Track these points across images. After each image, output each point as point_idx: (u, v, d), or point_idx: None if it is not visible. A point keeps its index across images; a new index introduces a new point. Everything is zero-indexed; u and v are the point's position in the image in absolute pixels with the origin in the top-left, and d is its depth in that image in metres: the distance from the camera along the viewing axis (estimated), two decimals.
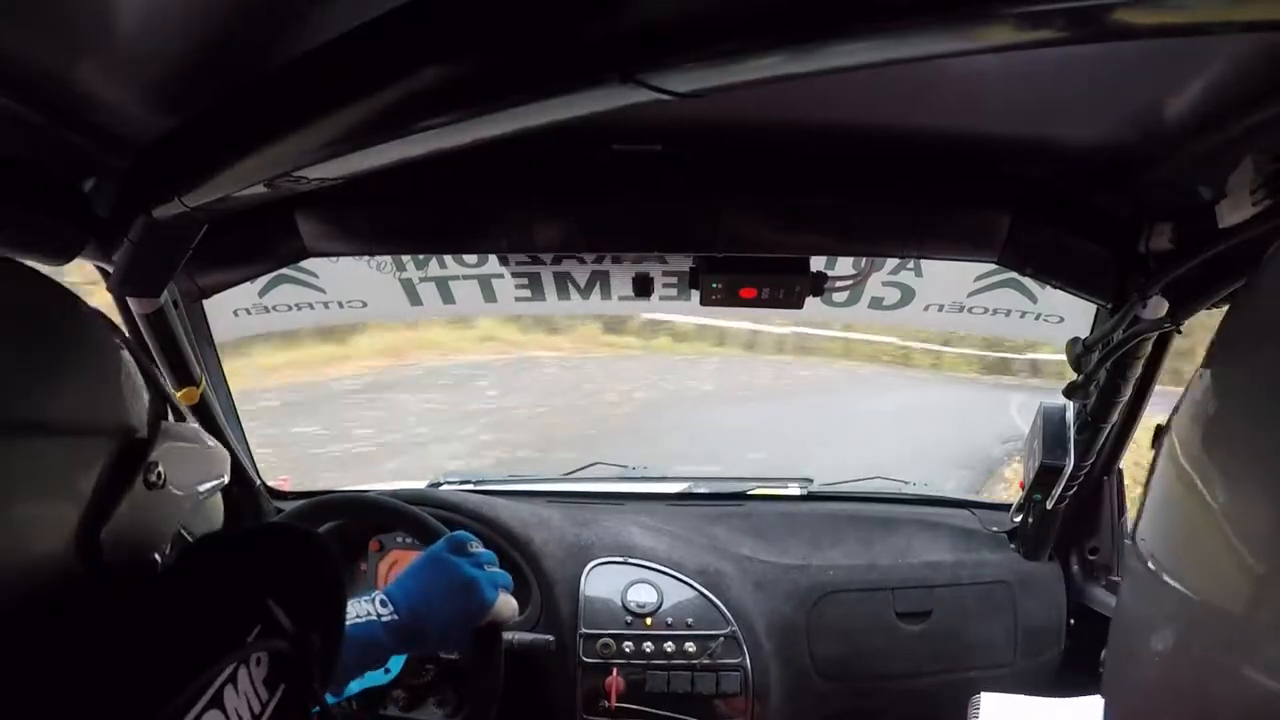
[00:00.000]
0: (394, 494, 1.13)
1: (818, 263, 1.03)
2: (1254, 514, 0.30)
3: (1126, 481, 1.20)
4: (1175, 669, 0.36)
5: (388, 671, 1.06)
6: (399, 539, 1.22)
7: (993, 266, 1.15)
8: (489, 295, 1.35)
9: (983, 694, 1.02)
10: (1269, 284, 0.36)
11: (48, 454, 0.42)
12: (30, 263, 0.50)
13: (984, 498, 1.42)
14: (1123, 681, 0.43)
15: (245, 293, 1.26)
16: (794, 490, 1.46)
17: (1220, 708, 0.31)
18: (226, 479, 0.62)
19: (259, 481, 1.29)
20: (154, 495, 0.47)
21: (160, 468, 0.47)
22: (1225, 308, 0.76)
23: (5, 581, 0.40)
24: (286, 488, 1.39)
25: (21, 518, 0.41)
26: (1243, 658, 0.29)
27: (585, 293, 1.32)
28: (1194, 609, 0.33)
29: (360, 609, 0.79)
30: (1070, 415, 1.09)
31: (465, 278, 1.32)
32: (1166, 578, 0.36)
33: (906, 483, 1.51)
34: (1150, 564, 0.38)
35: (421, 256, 1.28)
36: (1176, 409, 0.38)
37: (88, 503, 0.43)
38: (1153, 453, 0.41)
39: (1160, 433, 0.40)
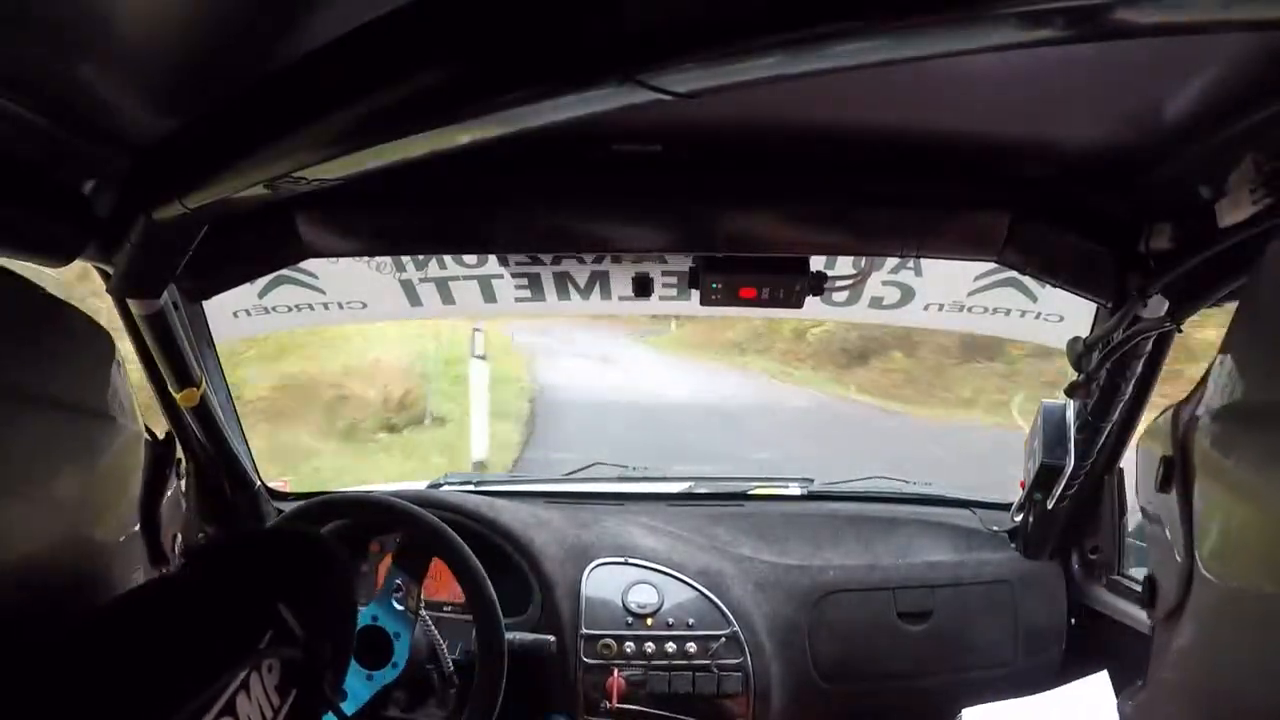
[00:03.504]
0: (395, 494, 1.13)
1: (817, 262, 1.03)
2: None
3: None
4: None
5: (395, 665, 1.06)
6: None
7: (993, 266, 1.15)
8: (489, 296, 1.35)
9: (964, 711, 1.02)
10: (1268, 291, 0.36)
11: (114, 436, 0.48)
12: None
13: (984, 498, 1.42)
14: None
15: (245, 294, 1.26)
16: (794, 490, 1.46)
17: None
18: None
19: (259, 483, 1.29)
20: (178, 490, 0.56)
21: (184, 465, 0.54)
22: (1224, 307, 0.76)
23: (82, 551, 0.44)
24: (286, 489, 1.39)
25: (96, 493, 0.46)
26: None
27: (585, 293, 1.32)
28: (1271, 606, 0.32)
29: None
30: (1070, 415, 1.09)
31: (465, 278, 1.32)
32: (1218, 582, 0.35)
33: (907, 482, 1.52)
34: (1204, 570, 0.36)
35: (421, 257, 1.28)
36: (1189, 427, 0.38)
37: (143, 487, 0.52)
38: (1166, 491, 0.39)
39: (1170, 467, 0.38)
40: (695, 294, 1.03)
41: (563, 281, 1.30)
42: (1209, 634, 0.37)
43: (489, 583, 1.06)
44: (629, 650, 1.15)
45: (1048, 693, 1.01)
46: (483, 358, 5.26)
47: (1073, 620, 1.23)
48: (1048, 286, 1.13)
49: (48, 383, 0.43)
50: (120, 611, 0.43)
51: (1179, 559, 0.38)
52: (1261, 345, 0.34)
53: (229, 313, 1.28)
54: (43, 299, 0.47)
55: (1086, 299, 0.95)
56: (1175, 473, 0.39)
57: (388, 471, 4.80)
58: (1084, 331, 0.98)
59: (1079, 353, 0.93)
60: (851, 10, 0.36)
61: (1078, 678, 1.14)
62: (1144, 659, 0.49)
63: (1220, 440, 0.35)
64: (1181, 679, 0.41)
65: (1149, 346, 0.93)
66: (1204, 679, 0.37)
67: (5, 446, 0.40)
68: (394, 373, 6.15)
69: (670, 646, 1.15)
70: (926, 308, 1.33)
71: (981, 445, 4.91)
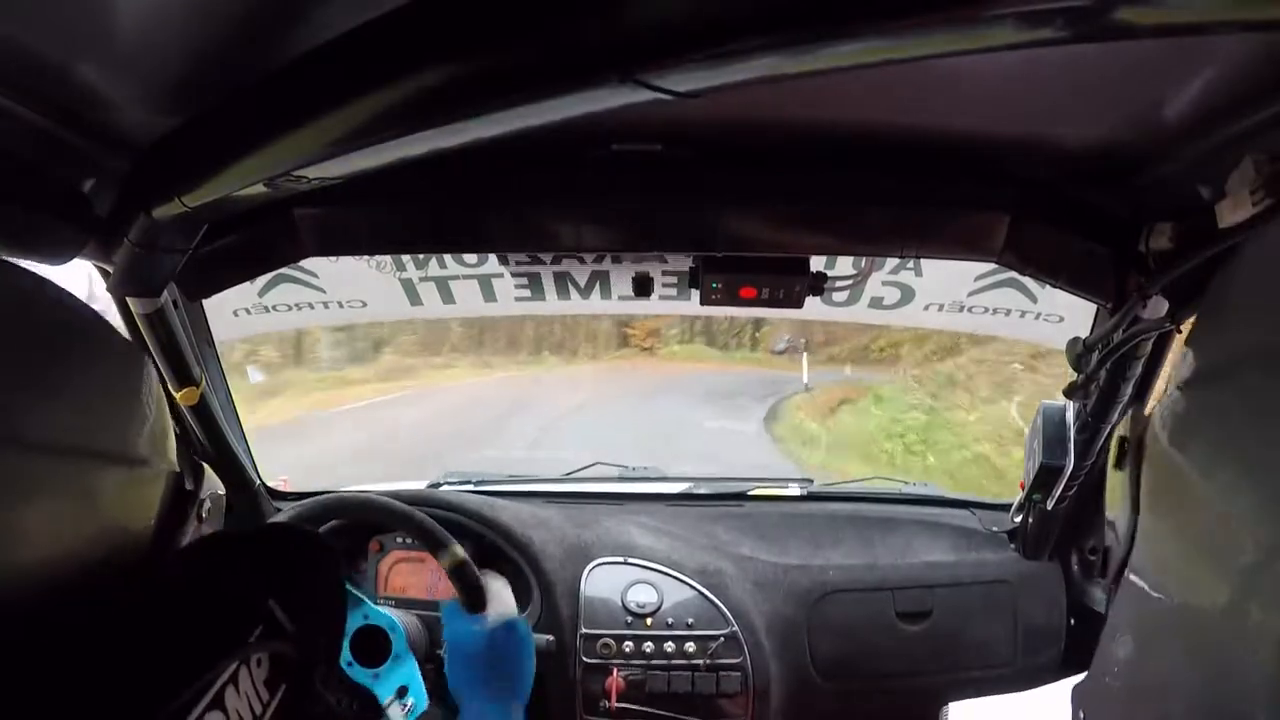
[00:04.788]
0: (394, 494, 1.13)
1: (818, 262, 1.03)
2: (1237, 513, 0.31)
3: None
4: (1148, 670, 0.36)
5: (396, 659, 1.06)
6: (398, 540, 1.22)
7: (993, 266, 1.15)
8: (489, 295, 1.35)
9: (950, 705, 1.02)
10: (1240, 286, 0.36)
11: (138, 480, 0.45)
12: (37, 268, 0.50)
13: (984, 498, 1.42)
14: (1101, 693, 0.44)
15: (245, 293, 1.27)
16: (794, 490, 1.46)
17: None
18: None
19: (258, 482, 1.29)
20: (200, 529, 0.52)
21: (208, 506, 0.51)
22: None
23: (75, 589, 0.41)
24: (286, 488, 1.39)
25: (102, 538, 0.43)
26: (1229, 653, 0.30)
27: (585, 293, 1.33)
28: (1177, 614, 0.34)
29: None
30: (1070, 415, 1.09)
31: (465, 277, 1.33)
32: (1151, 591, 0.36)
33: (906, 482, 1.52)
34: (1136, 578, 0.38)
35: (421, 256, 1.28)
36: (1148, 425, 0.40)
37: (156, 531, 0.47)
38: (1120, 469, 0.45)
39: (1123, 447, 0.45)
40: (695, 294, 1.04)
41: (562, 281, 1.30)
42: (1148, 587, 0.39)
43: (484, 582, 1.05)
44: (628, 650, 1.15)
45: (1035, 690, 1.01)
46: None
47: (1072, 620, 1.23)
48: (1047, 287, 1.13)
49: (63, 423, 0.38)
50: (109, 606, 0.43)
51: (1126, 518, 0.45)
52: (1228, 317, 0.36)
53: (229, 311, 1.28)
54: (55, 305, 0.41)
55: (1086, 299, 0.95)
56: (1129, 452, 0.46)
57: None
58: (1084, 332, 0.98)
59: (1078, 353, 0.93)
60: (851, 10, 0.36)
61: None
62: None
63: (1164, 419, 0.39)
64: (1122, 627, 0.43)
65: (1149, 347, 0.93)
66: (1140, 627, 0.39)
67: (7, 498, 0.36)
68: None
69: (669, 646, 1.15)
70: (927, 308, 1.33)
71: None
